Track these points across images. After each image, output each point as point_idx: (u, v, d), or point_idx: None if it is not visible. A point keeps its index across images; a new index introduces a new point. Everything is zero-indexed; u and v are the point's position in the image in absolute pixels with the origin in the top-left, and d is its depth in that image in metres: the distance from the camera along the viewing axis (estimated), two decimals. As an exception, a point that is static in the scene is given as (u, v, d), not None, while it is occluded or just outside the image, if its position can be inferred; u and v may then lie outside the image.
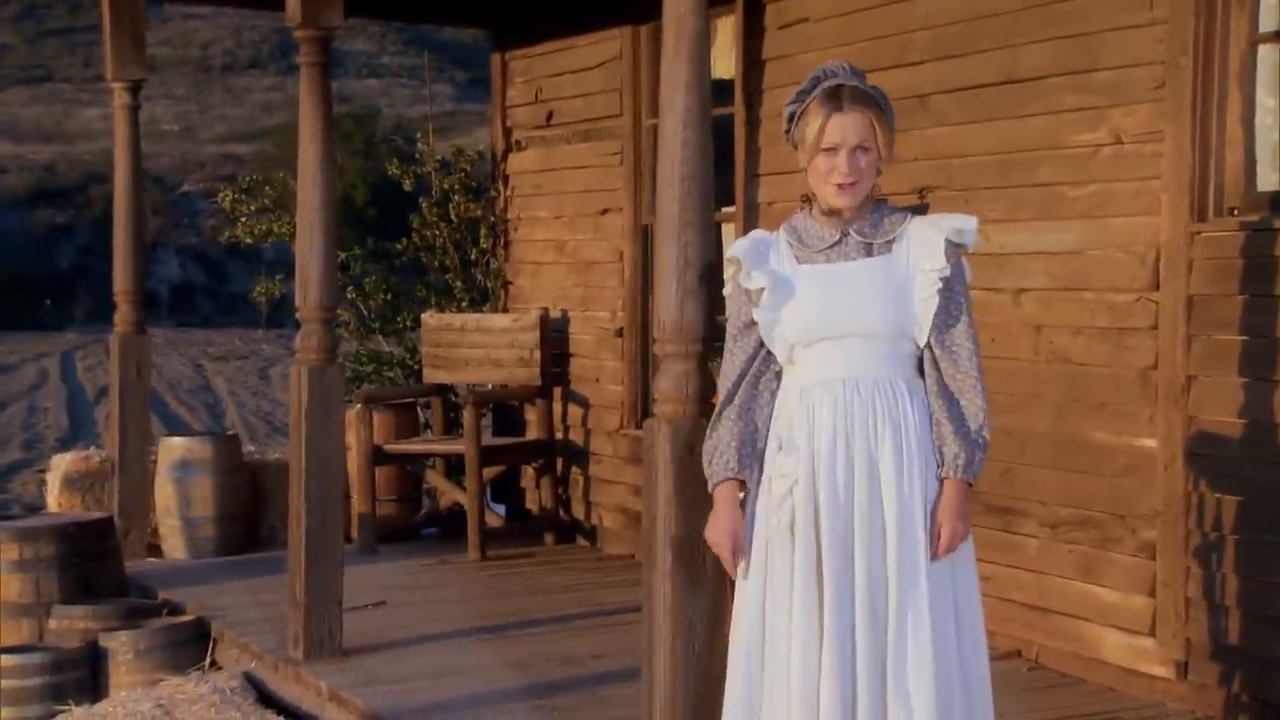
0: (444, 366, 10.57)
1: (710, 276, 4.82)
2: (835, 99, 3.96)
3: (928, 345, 4.00)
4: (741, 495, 4.09)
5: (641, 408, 9.75)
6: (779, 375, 4.12)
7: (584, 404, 10.25)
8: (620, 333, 9.90)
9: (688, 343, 4.87)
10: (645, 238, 9.59)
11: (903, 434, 3.93)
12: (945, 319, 4.02)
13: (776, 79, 8.40)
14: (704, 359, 4.92)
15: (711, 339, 4.81)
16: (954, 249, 4.04)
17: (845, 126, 3.94)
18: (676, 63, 4.85)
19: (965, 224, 4.02)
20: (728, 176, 8.48)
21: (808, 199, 4.12)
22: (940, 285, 3.97)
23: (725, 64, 8.82)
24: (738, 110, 8.66)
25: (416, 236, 11.59)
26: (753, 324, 4.09)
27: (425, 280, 11.84)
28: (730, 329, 4.16)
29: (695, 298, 4.82)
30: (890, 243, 4.02)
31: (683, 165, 4.79)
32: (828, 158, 3.97)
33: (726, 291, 4.22)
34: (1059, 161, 6.77)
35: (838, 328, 3.96)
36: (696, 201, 4.82)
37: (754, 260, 4.07)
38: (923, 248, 4.01)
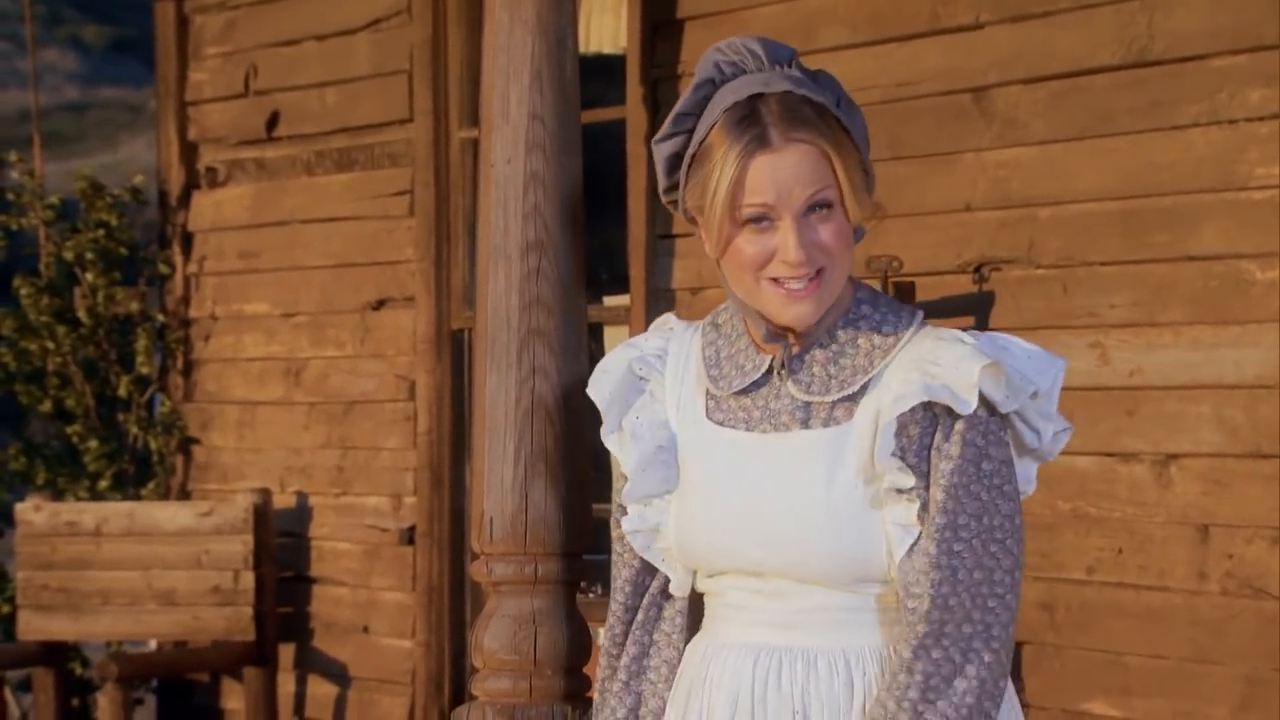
0: (60, 609, 6.86)
1: (579, 427, 3.59)
2: (751, 123, 2.69)
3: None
4: None
5: (454, 682, 6.46)
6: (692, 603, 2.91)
7: (339, 678, 6.79)
8: (411, 537, 6.56)
9: (538, 557, 3.58)
10: (457, 353, 6.46)
11: None
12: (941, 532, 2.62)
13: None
14: (570, 588, 3.62)
15: (584, 549, 3.58)
16: (976, 411, 2.67)
17: (780, 171, 2.67)
18: (514, 20, 3.61)
19: (992, 349, 2.66)
20: (617, 239, 5.98)
21: None
22: (943, 486, 2.62)
23: (611, 28, 6.63)
24: (632, 114, 5.88)
25: (9, 352, 7.49)
26: None
27: (25, 438, 7.76)
28: (614, 522, 2.90)
29: (551, 472, 3.57)
30: (851, 399, 2.69)
31: (527, 219, 3.60)
32: (757, 235, 2.70)
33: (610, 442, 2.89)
34: (1239, 215, 4.80)
35: (751, 559, 2.73)
36: (552, 287, 3.65)
37: (622, 394, 2.85)
38: (900, 405, 2.68)
